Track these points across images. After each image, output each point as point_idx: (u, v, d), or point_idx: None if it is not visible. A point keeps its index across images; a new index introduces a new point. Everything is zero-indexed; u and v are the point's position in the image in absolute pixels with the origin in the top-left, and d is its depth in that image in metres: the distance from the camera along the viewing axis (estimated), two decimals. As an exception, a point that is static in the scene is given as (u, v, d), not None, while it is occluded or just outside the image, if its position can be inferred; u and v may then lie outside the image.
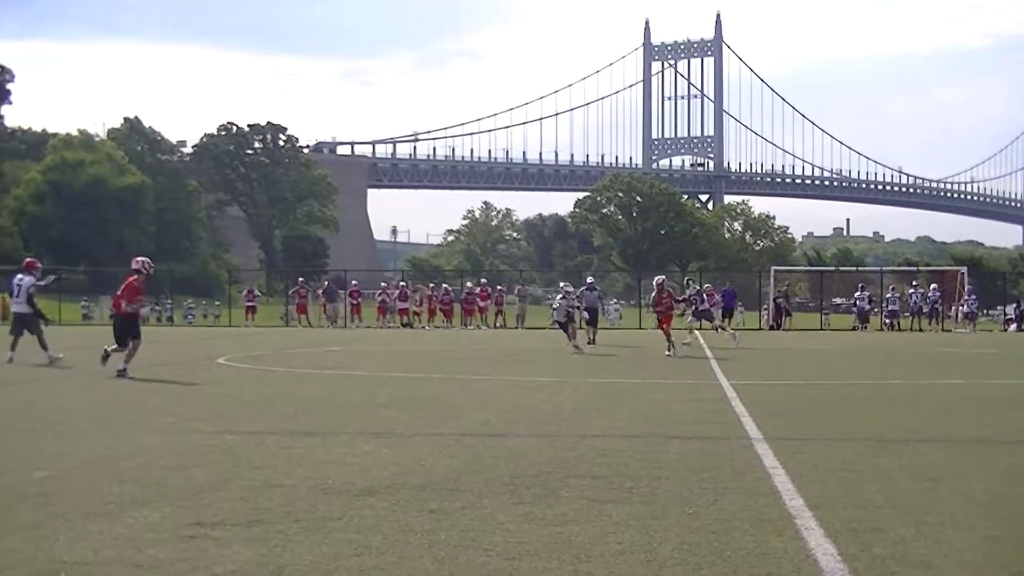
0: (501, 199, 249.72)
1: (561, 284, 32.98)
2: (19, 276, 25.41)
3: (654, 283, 31.86)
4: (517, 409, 15.35)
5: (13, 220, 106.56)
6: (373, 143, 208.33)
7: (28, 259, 26.63)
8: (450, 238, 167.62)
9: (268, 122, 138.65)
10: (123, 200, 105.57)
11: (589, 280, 37.66)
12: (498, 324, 55.09)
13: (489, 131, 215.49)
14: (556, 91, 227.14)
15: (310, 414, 14.55)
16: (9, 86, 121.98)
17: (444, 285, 59.69)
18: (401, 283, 57.73)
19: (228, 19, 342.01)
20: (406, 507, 8.15)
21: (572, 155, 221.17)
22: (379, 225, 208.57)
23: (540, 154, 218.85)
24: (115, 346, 20.55)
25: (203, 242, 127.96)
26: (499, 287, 60.92)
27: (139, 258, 21.69)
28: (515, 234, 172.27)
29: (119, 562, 6.54)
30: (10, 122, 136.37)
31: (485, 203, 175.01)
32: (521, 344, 35.73)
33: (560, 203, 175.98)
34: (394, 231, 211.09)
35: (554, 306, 32.46)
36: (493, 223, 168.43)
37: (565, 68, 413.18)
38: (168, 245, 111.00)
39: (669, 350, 28.56)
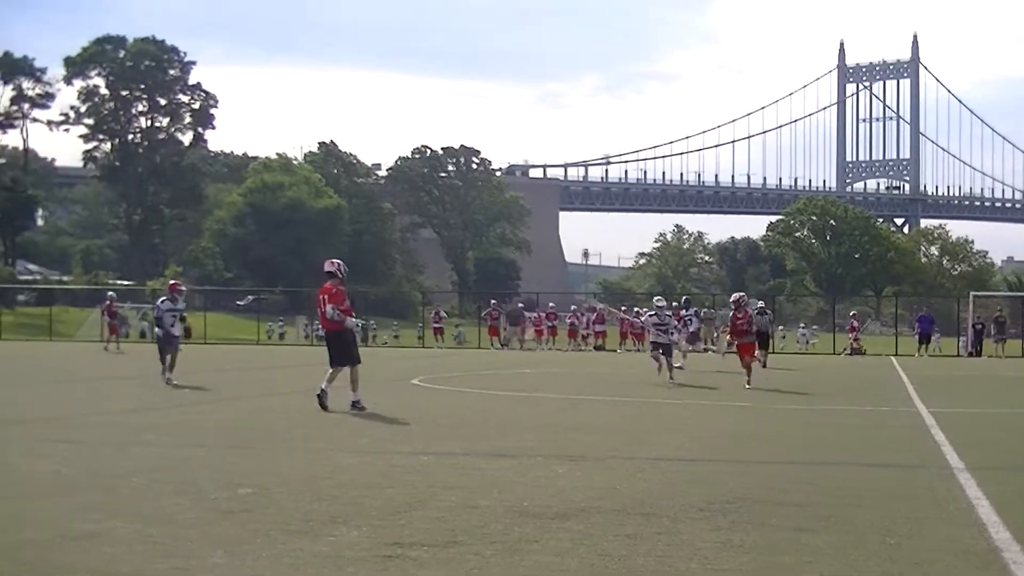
0: (693, 222, 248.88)
1: (655, 299, 29.21)
2: (161, 299, 25.89)
3: (731, 301, 28.42)
4: (709, 434, 15.23)
5: (215, 241, 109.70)
6: (565, 166, 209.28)
7: (172, 282, 27.23)
8: (642, 261, 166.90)
9: (461, 145, 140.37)
10: (320, 222, 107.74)
11: (760, 304, 37.87)
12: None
13: (681, 154, 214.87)
14: (749, 113, 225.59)
15: (503, 435, 14.61)
16: (212, 111, 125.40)
17: (636, 308, 59.57)
18: (597, 306, 57.79)
19: (420, 45, 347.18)
20: (602, 531, 8.12)
21: (765, 178, 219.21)
22: (570, 248, 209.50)
23: (732, 177, 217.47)
24: (326, 381, 17.79)
25: (397, 264, 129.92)
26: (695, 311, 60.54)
27: (332, 260, 18.95)
28: (707, 257, 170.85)
29: (320, 580, 6.65)
30: (213, 146, 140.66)
31: (677, 226, 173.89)
32: (710, 368, 35.40)
33: (752, 226, 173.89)
34: (585, 254, 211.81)
35: (643, 324, 30.70)
36: (685, 246, 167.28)
37: (758, 90, 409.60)
38: (363, 267, 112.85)
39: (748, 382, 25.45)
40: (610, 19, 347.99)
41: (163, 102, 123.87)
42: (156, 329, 25.38)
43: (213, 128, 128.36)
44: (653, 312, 27.64)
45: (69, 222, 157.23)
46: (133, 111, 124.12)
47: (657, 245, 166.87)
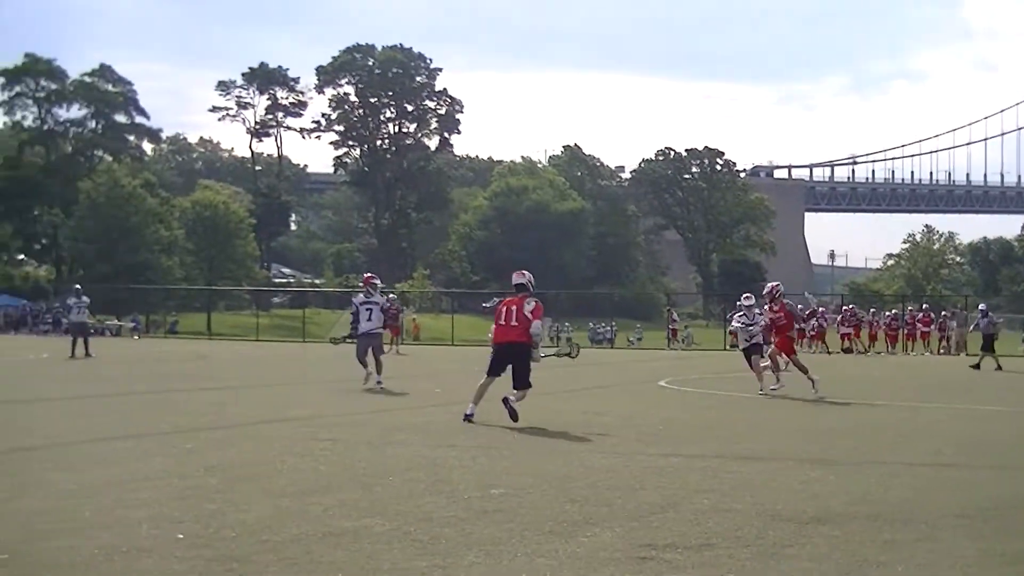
0: (943, 222, 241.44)
1: (743, 297, 25.45)
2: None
3: (764, 293, 24.65)
4: (968, 439, 14.78)
5: (461, 244, 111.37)
6: (810, 166, 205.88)
7: (367, 275, 26.13)
8: (890, 262, 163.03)
9: (705, 147, 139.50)
10: (564, 225, 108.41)
11: (982, 307, 37.50)
12: (941, 351, 53.45)
13: (931, 152, 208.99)
14: (1003, 110, 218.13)
15: (753, 438, 14.46)
16: (458, 116, 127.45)
17: (885, 311, 58.45)
18: (844, 308, 56.84)
19: (661, 47, 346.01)
20: (858, 536, 7.98)
21: (1020, 176, 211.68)
22: (816, 249, 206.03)
23: (984, 175, 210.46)
24: (516, 393, 15.95)
25: (641, 266, 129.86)
26: (943, 312, 59.10)
27: (523, 271, 16.87)
28: (958, 258, 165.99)
29: (576, 580, 6.69)
30: (459, 150, 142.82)
31: (926, 226, 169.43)
32: (962, 371, 34.36)
33: (1006, 226, 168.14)
34: (831, 255, 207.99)
35: (731, 328, 28.09)
36: (935, 247, 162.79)
37: (1013, 85, 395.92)
38: (607, 269, 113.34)
39: (777, 383, 22.90)
40: (854, 18, 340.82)
41: (410, 108, 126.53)
42: (351, 324, 24.67)
43: (459, 133, 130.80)
44: (742, 312, 24.74)
45: (321, 226, 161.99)
46: (381, 117, 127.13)
47: (906, 246, 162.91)
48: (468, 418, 15.69)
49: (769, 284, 24.80)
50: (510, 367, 16.14)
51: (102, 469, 10.82)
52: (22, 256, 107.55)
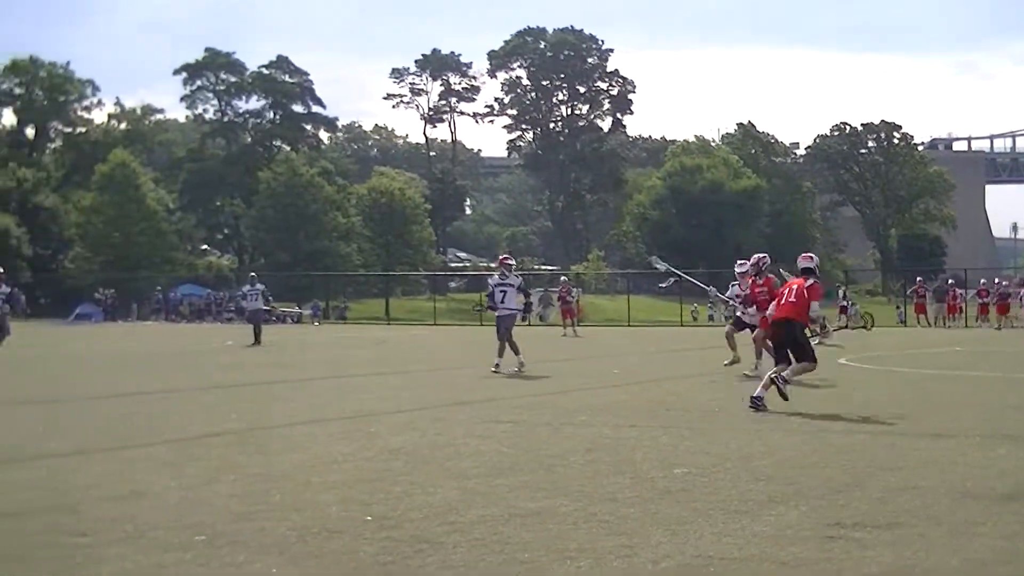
0: None
1: (737, 264, 23.39)
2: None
3: (750, 264, 22.02)
4: None
5: (636, 225, 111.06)
6: (991, 137, 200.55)
7: (502, 256, 25.76)
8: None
9: (882, 120, 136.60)
10: (739, 203, 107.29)
11: None
12: None
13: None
14: None
15: (938, 415, 14.22)
16: (630, 96, 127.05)
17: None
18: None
19: (832, 20, 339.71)
20: (1054, 515, 7.80)
21: None
22: (998, 222, 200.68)
23: None
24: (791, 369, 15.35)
25: (818, 243, 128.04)
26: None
27: (810, 255, 16.69)
28: None
29: (764, 559, 6.65)
30: (632, 131, 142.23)
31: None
32: None
33: None
34: (1014, 228, 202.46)
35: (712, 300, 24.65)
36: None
37: None
38: (783, 247, 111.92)
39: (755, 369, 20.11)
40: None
41: (582, 90, 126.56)
42: (488, 304, 24.26)
43: (631, 113, 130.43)
44: (736, 283, 22.95)
45: (495, 210, 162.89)
46: (554, 100, 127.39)
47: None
48: (757, 402, 14.60)
49: (756, 255, 22.30)
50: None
51: (290, 453, 11.06)
52: (205, 246, 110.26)
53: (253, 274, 40.25)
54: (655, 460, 10.37)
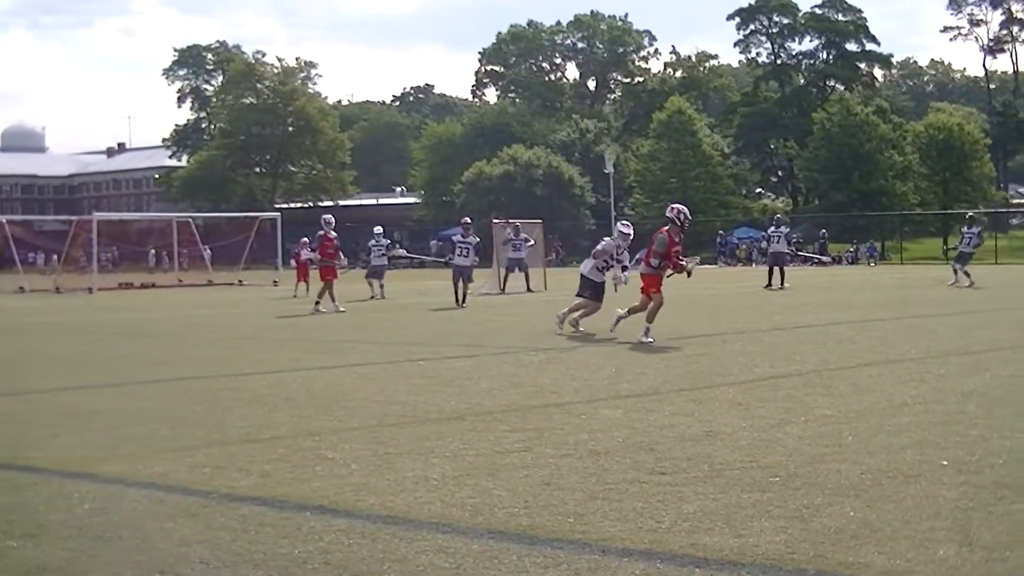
0: None
1: (619, 224, 21.01)
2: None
3: (671, 215, 18.45)
4: None
5: None
6: None
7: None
8: None
9: None
10: None
11: None
12: None
13: None
14: None
15: None
16: None
17: None
18: None
19: None
20: None
21: None
22: None
23: None
24: None
25: None
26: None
27: None
28: None
29: None
30: None
31: None
32: None
33: None
34: None
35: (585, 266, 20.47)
36: None
37: None
38: None
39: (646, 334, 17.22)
40: None
41: None
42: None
43: None
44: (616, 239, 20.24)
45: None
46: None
47: None
48: None
49: (676, 206, 18.81)
50: None
51: (860, 395, 11.00)
52: (760, 189, 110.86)
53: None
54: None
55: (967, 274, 33.97)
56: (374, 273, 36.28)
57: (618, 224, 21.17)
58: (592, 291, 19.86)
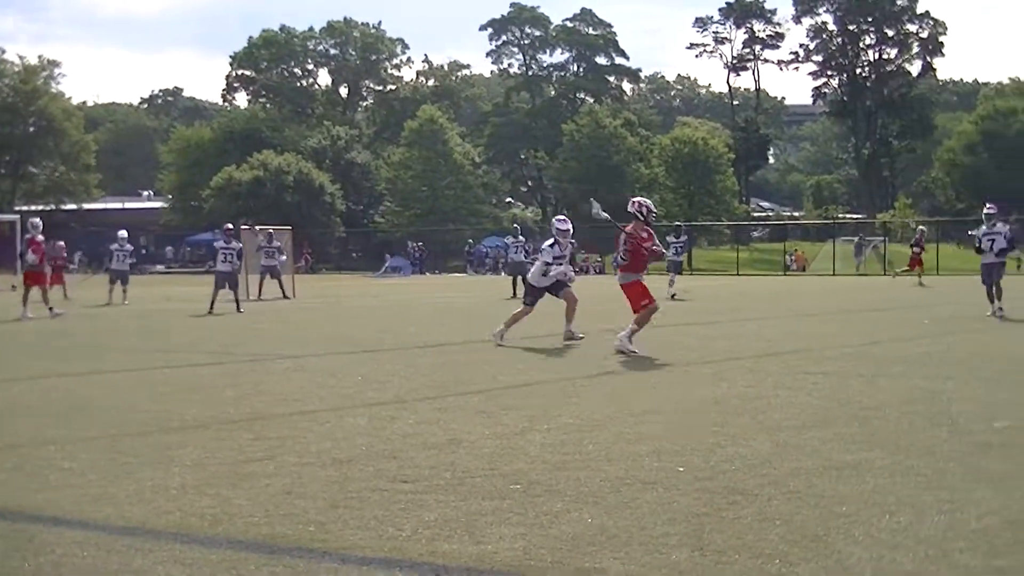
0: None
1: (555, 220, 20.71)
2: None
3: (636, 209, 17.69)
4: None
5: (945, 171, 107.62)
6: None
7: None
8: None
9: None
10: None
11: None
12: None
13: None
14: None
15: None
16: (941, 39, 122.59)
17: None
18: None
19: None
20: None
21: None
22: None
23: None
24: None
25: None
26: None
27: None
28: None
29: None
30: (942, 74, 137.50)
31: None
32: None
33: None
34: None
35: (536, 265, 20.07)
36: None
37: None
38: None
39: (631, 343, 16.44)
40: None
41: (891, 34, 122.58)
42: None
43: (942, 56, 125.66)
44: (553, 241, 19.51)
45: (799, 159, 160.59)
46: (861, 45, 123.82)
47: None
48: None
49: (637, 199, 18.17)
50: None
51: (602, 404, 11.17)
52: (510, 199, 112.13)
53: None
54: (974, 413, 10.08)
55: (672, 283, 34.41)
56: (117, 278, 35.44)
57: (554, 221, 20.47)
58: (533, 297, 19.45)
